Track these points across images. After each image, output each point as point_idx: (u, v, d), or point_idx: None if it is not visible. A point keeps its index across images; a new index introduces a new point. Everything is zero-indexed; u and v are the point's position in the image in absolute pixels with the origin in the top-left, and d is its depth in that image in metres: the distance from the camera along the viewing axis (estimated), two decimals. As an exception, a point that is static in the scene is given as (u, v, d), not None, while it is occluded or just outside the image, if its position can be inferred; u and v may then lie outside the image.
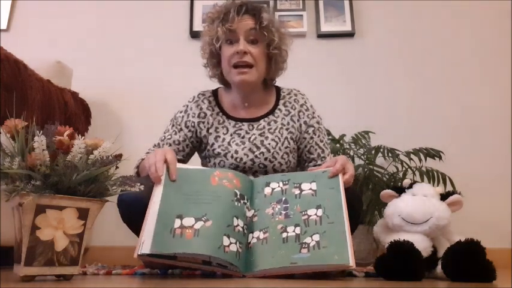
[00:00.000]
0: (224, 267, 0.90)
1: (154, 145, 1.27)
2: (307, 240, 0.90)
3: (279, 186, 1.04)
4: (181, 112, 1.28)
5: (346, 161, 1.04)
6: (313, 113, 1.28)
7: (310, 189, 1.01)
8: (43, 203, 0.74)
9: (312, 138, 1.25)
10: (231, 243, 0.90)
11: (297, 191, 1.01)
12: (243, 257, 0.92)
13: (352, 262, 0.85)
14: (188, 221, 0.91)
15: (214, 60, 1.24)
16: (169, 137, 1.25)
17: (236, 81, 1.18)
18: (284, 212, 0.97)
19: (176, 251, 0.86)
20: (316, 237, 0.90)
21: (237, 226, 0.94)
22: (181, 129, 1.25)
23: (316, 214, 0.94)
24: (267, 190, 1.04)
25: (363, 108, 2.05)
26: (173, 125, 1.27)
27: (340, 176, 1.00)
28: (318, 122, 1.27)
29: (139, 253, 0.85)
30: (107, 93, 2.09)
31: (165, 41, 2.16)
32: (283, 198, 1.01)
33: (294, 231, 0.93)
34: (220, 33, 1.16)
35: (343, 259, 0.85)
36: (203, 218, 0.91)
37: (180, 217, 0.91)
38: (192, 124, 1.25)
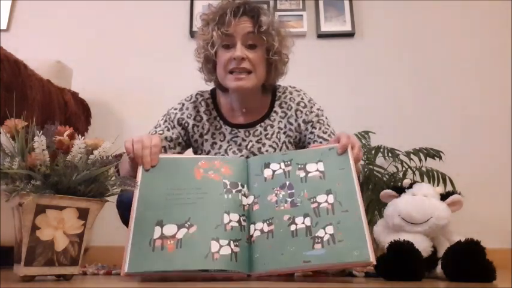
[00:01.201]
0: (224, 270, 0.81)
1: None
2: (320, 233, 0.81)
3: (280, 168, 0.93)
4: (175, 109, 1.22)
5: (349, 135, 0.95)
6: (311, 107, 1.20)
7: (317, 170, 0.90)
8: (43, 203, 0.74)
9: (312, 133, 1.17)
10: (221, 246, 0.81)
11: (302, 174, 0.90)
12: (244, 254, 0.83)
13: (372, 258, 0.76)
14: (169, 229, 0.83)
15: (209, 65, 1.17)
16: (161, 131, 1.17)
17: (232, 87, 1.11)
18: (290, 200, 0.87)
19: (156, 269, 0.78)
20: (330, 229, 0.81)
21: (228, 223, 0.84)
22: (174, 127, 1.19)
23: (327, 201, 0.85)
24: (267, 172, 0.93)
25: (363, 108, 2.04)
26: (165, 121, 1.20)
27: (349, 152, 0.90)
28: (317, 115, 1.19)
29: (126, 271, 0.78)
30: (107, 93, 2.09)
31: (165, 41, 2.17)
32: (287, 183, 0.90)
33: (303, 222, 0.83)
34: (216, 37, 1.08)
35: (363, 255, 0.76)
36: (186, 224, 0.83)
37: (161, 224, 0.83)
38: (186, 124, 1.20)
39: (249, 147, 1.19)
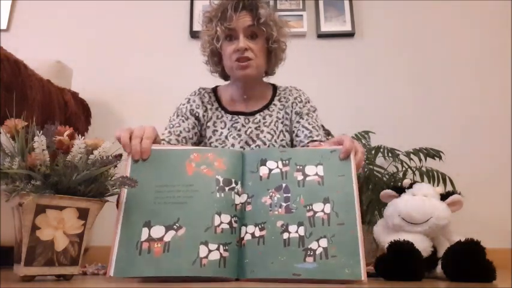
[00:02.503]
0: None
1: (162, 133, 1.21)
2: (313, 245, 0.79)
3: (277, 167, 0.88)
4: (183, 104, 1.28)
5: (352, 139, 0.92)
6: (306, 102, 1.28)
7: (317, 174, 0.86)
8: (43, 203, 0.74)
9: (298, 122, 1.24)
10: (210, 251, 0.78)
11: (300, 176, 0.86)
12: (233, 259, 0.80)
13: (364, 277, 0.75)
14: (157, 230, 0.80)
15: (215, 58, 1.26)
16: (177, 125, 1.21)
17: (239, 75, 1.19)
18: (285, 205, 0.84)
19: (142, 274, 0.76)
20: (324, 242, 0.79)
21: (219, 225, 0.81)
22: (188, 118, 1.24)
23: (323, 211, 0.82)
24: (263, 171, 0.88)
25: (363, 108, 2.05)
26: (178, 115, 1.25)
27: (352, 157, 0.87)
28: (308, 109, 1.26)
29: (110, 275, 0.76)
30: (107, 93, 2.09)
31: (165, 41, 2.17)
32: (284, 185, 0.86)
33: (297, 231, 0.81)
34: (220, 32, 1.17)
35: (355, 273, 0.75)
36: (175, 226, 0.80)
37: (148, 225, 0.80)
38: (197, 114, 1.26)
39: (248, 132, 1.24)
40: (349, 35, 2.15)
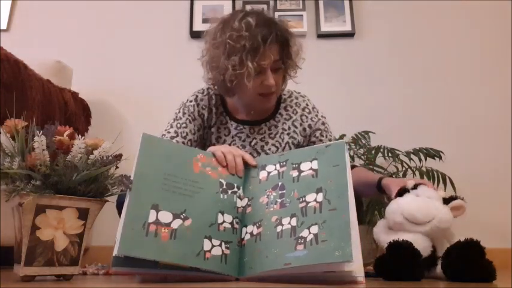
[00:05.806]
0: (213, 272, 0.79)
1: (163, 135, 1.18)
2: (304, 233, 0.76)
3: (275, 169, 0.91)
4: (191, 101, 1.24)
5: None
6: (317, 115, 1.27)
7: (311, 168, 0.87)
8: (43, 203, 0.75)
9: (320, 140, 1.24)
10: (213, 246, 0.80)
11: (295, 173, 0.88)
12: (234, 257, 0.82)
13: (358, 266, 0.71)
14: (165, 216, 0.79)
15: (227, 84, 1.12)
16: (184, 125, 1.19)
17: (261, 108, 1.20)
18: (280, 201, 0.85)
19: (146, 256, 0.73)
20: (314, 229, 0.76)
21: (222, 224, 0.84)
22: (195, 118, 1.21)
23: (315, 200, 0.81)
24: (263, 174, 0.92)
25: (363, 108, 2.05)
26: (185, 113, 1.22)
27: (345, 148, 0.88)
28: (323, 123, 1.27)
29: (116, 253, 0.72)
30: (107, 93, 2.09)
31: (165, 41, 2.17)
32: (280, 184, 0.88)
33: (289, 223, 0.80)
34: (252, 69, 1.05)
35: (345, 255, 0.70)
36: (182, 215, 0.80)
37: (156, 208, 0.79)
38: (202, 116, 1.23)
39: (252, 144, 1.22)
40: (349, 35, 2.15)
